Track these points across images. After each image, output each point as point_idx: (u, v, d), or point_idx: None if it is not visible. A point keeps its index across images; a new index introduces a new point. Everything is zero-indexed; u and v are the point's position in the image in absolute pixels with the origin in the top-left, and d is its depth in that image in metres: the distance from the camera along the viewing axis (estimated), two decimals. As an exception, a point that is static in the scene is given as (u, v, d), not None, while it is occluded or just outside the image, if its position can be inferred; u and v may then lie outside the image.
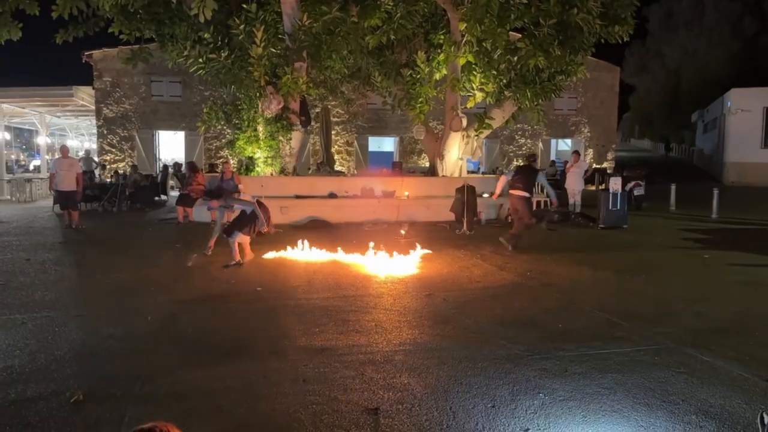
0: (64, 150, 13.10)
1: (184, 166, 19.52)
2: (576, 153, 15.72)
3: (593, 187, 22.29)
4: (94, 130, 26.54)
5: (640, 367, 4.40)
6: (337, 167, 23.77)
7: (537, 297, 6.63)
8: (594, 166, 26.43)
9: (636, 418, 3.55)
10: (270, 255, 8.91)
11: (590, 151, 28.60)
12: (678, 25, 43.88)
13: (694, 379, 4.19)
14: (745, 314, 6.03)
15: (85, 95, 23.47)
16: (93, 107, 24.76)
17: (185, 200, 13.60)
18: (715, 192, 15.06)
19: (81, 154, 21.82)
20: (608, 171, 25.46)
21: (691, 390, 3.99)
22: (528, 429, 3.43)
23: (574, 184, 14.86)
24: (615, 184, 12.91)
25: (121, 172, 20.26)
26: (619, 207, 12.71)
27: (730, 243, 10.69)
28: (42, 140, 26.98)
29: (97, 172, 21.44)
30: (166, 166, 22.56)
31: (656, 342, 5.02)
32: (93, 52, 23.97)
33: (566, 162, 18.06)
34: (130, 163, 23.47)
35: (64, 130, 32.41)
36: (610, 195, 12.72)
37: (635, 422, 3.50)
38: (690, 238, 11.26)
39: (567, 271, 8.42)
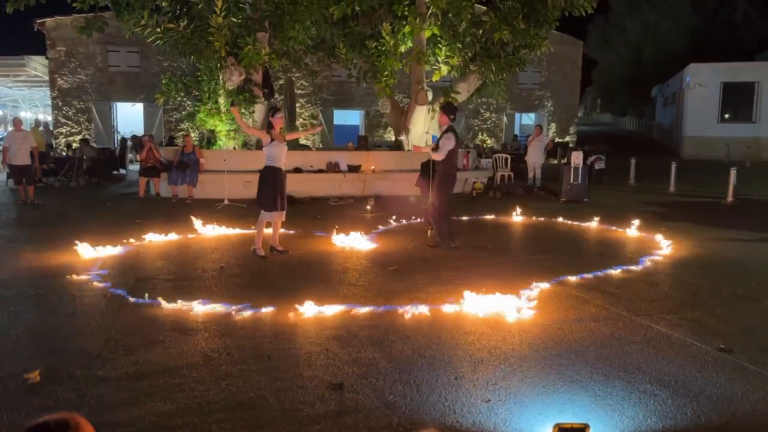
0: (17, 123, 12.61)
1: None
2: (538, 127, 15.96)
3: (555, 161, 22.61)
4: (49, 102, 25.62)
5: (598, 338, 4.52)
6: (302, 141, 23.48)
7: (500, 271, 6.73)
8: (556, 140, 26.75)
9: (593, 388, 3.65)
10: (235, 231, 8.80)
11: (553, 125, 28.90)
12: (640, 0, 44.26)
13: (650, 349, 4.33)
14: (699, 286, 6.23)
15: (38, 65, 22.57)
16: (47, 78, 23.84)
17: (150, 171, 13.17)
18: (673, 166, 15.47)
19: (41, 129, 20.83)
20: (570, 145, 25.81)
21: (647, 360, 4.13)
22: (489, 400, 3.50)
23: (534, 158, 15.11)
24: (576, 158, 13.10)
25: (75, 145, 19.61)
26: (580, 181, 12.93)
27: (686, 216, 11.00)
28: (-7, 112, 25.93)
29: (54, 143, 20.75)
30: (124, 139, 21.89)
31: (614, 314, 5.16)
32: (45, 20, 22.95)
33: (529, 136, 18.28)
34: (83, 136, 22.75)
35: (16, 101, 31.18)
36: (572, 169, 12.92)
37: (593, 392, 3.60)
38: (648, 211, 11.53)
39: (528, 244, 8.58)
